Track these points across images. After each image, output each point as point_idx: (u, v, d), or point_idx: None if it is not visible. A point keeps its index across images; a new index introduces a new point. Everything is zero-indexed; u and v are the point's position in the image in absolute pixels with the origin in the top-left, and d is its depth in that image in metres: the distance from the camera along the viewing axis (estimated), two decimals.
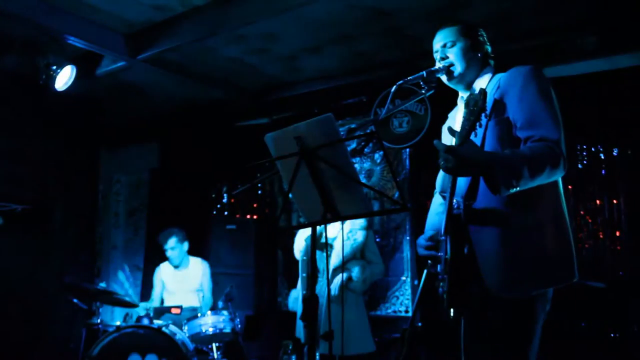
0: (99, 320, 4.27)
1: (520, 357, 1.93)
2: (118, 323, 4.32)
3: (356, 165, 5.05)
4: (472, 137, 1.87)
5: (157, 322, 4.17)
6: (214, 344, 4.39)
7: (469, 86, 2.19)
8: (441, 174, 2.31)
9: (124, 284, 4.81)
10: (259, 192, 5.78)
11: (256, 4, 3.81)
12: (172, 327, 4.12)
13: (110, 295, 4.41)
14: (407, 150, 4.81)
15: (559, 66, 4.12)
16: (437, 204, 2.38)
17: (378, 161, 5.03)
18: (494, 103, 2.00)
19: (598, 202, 4.02)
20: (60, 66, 4.46)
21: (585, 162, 4.09)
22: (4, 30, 4.29)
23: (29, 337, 5.10)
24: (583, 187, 4.09)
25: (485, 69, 2.17)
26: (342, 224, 3.19)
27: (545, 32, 4.02)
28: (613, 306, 3.87)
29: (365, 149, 5.08)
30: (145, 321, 4.13)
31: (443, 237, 2.03)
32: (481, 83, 2.15)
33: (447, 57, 2.15)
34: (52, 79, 4.48)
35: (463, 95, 2.24)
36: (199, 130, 6.08)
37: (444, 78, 2.19)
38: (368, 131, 3.31)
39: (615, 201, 3.97)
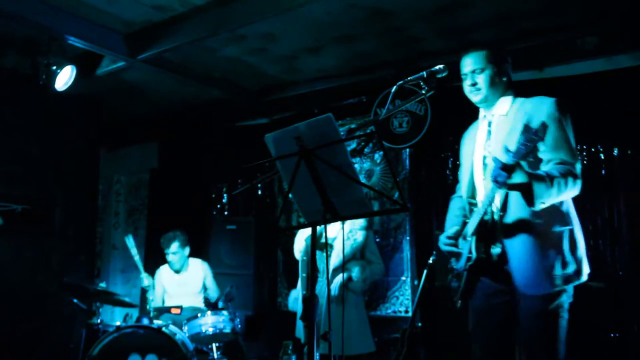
0: (99, 320, 4.26)
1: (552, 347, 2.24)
2: (118, 323, 4.31)
3: (356, 165, 5.05)
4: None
5: (157, 322, 4.17)
6: (214, 344, 4.39)
7: (491, 105, 2.46)
8: (468, 182, 2.54)
9: (131, 249, 4.80)
10: (259, 192, 5.78)
11: (256, 4, 3.81)
12: (172, 327, 4.12)
13: (110, 296, 4.41)
14: (407, 150, 4.81)
15: (559, 66, 4.13)
16: (456, 207, 2.69)
17: (378, 161, 5.03)
18: (524, 128, 2.19)
19: (598, 202, 4.01)
20: (60, 66, 4.45)
21: (585, 162, 4.08)
22: (4, 30, 4.29)
23: (29, 337, 5.09)
24: (583, 187, 4.07)
25: (507, 92, 2.45)
26: (342, 224, 3.19)
27: (545, 32, 4.02)
28: (613, 306, 3.87)
29: (365, 149, 5.08)
30: (145, 321, 4.13)
31: (469, 238, 2.39)
32: (504, 104, 2.44)
33: (477, 84, 2.41)
34: (52, 79, 4.47)
35: (486, 113, 2.51)
36: (199, 130, 6.08)
37: (472, 98, 2.46)
38: (368, 131, 3.32)
39: (615, 201, 3.96)
